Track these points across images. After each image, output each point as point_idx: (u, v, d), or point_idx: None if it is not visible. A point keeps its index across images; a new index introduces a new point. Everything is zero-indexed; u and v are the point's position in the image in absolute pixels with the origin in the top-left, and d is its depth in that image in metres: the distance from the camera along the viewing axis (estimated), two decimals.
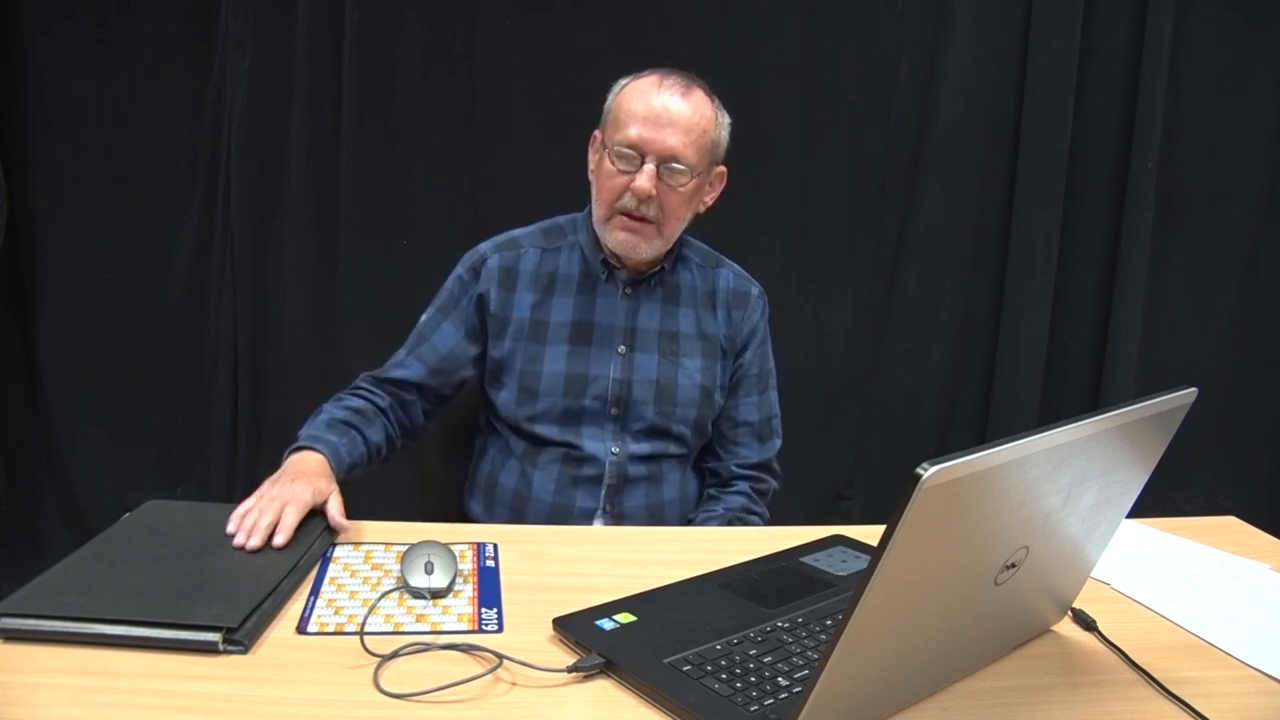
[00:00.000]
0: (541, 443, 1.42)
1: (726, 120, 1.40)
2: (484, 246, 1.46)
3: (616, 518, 1.42)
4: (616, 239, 1.36)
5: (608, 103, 1.39)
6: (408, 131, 2.21)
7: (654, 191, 1.32)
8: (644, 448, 1.43)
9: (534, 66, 2.19)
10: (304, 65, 2.15)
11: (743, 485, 1.51)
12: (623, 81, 1.39)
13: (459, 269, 1.46)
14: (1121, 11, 2.25)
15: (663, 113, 1.31)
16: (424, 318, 1.46)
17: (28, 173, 2.17)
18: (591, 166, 1.43)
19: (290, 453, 1.25)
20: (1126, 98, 2.28)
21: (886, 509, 0.62)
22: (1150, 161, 2.26)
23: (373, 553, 1.12)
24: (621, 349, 1.42)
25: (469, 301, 1.43)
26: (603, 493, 1.42)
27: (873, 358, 2.41)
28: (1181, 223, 2.36)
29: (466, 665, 0.88)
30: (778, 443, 1.55)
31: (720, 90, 1.39)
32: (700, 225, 1.45)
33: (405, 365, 1.43)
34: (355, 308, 2.25)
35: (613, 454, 1.42)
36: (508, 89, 2.20)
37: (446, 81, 2.19)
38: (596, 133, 1.42)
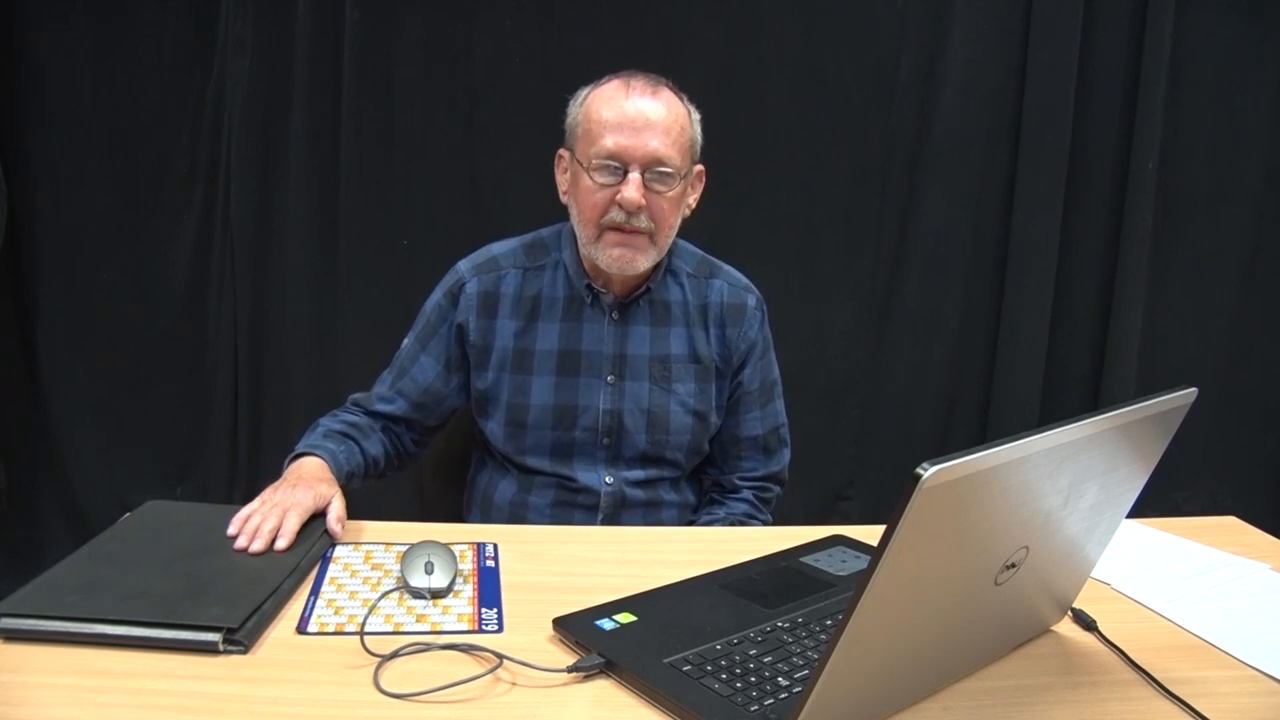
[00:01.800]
0: (534, 472, 1.39)
1: (698, 116, 1.34)
2: (462, 267, 1.39)
3: None
4: (610, 256, 1.28)
5: (571, 117, 1.32)
6: (408, 131, 2.20)
7: (644, 201, 1.25)
8: (638, 474, 1.39)
9: (534, 66, 2.18)
10: (304, 65, 2.15)
11: (747, 493, 1.48)
12: (583, 92, 1.32)
13: (437, 293, 1.40)
14: (1121, 11, 2.25)
15: (638, 116, 1.24)
16: (405, 344, 1.41)
17: (28, 173, 2.17)
18: (564, 188, 1.35)
19: (290, 461, 1.25)
20: (1126, 98, 2.28)
21: (886, 509, 0.62)
22: (1150, 161, 2.26)
23: (373, 553, 1.12)
24: (610, 378, 1.37)
25: (448, 329, 1.37)
26: (599, 518, 1.39)
27: (873, 358, 2.41)
28: (1181, 223, 2.35)
29: (466, 665, 0.88)
30: (787, 454, 1.51)
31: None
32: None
33: (389, 400, 1.39)
34: (355, 308, 2.25)
35: (607, 484, 1.38)
36: (508, 89, 2.20)
37: (446, 81, 2.19)
38: (562, 151, 1.35)
